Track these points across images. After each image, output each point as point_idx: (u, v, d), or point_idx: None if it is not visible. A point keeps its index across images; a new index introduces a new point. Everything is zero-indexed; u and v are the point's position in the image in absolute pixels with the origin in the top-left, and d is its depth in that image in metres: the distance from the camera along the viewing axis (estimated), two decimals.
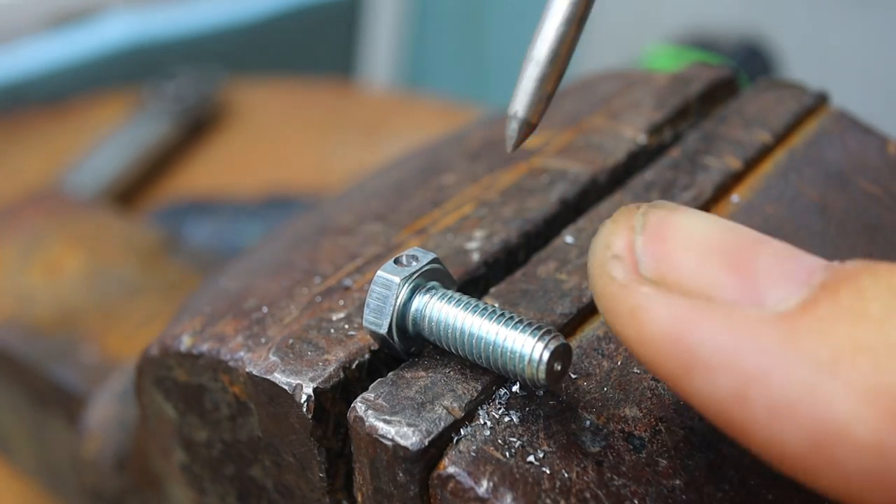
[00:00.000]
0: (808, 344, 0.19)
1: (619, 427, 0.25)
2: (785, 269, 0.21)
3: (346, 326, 0.28)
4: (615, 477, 0.24)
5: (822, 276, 0.20)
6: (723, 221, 0.22)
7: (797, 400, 0.19)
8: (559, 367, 0.24)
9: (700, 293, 0.21)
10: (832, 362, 0.19)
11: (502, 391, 0.25)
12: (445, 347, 0.26)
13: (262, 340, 0.28)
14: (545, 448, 0.24)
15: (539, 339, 0.24)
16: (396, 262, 0.26)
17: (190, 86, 0.88)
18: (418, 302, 0.26)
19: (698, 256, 0.21)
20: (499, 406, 0.25)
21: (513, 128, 0.23)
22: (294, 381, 0.26)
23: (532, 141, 0.30)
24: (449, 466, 0.24)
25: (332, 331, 0.28)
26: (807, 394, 0.19)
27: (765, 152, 0.33)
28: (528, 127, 0.23)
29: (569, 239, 0.30)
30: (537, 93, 0.23)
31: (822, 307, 0.20)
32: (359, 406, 0.25)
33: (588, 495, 0.23)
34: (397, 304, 0.26)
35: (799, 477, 0.20)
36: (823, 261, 0.21)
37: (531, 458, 0.24)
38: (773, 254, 0.21)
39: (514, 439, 0.24)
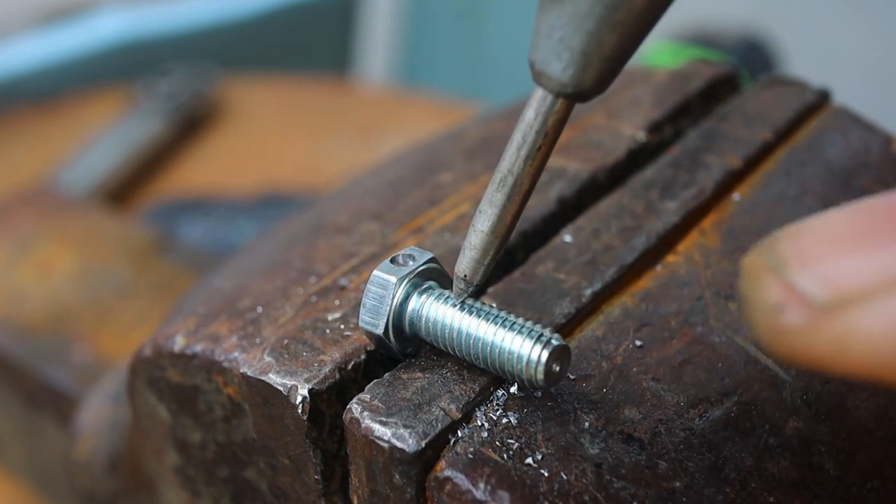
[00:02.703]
0: None
1: (619, 429, 0.25)
2: None
3: (342, 326, 0.28)
4: (614, 479, 0.24)
5: None
6: (839, 209, 0.20)
7: None
8: (557, 369, 0.24)
9: (887, 281, 0.18)
10: None
11: (500, 392, 0.25)
12: (442, 348, 0.25)
13: (257, 341, 0.28)
14: (543, 450, 0.24)
15: (537, 340, 0.24)
16: (393, 261, 0.26)
17: (184, 83, 0.88)
18: (415, 302, 0.26)
19: (854, 250, 0.19)
20: (497, 407, 0.25)
21: (460, 286, 0.25)
22: (289, 381, 0.26)
23: None
24: (446, 468, 0.23)
25: (328, 331, 0.28)
26: None
27: (766, 150, 0.33)
28: (473, 286, 0.25)
29: (567, 238, 0.30)
30: (480, 260, 0.25)
31: None
32: (355, 407, 0.25)
33: (587, 498, 0.23)
34: (394, 304, 0.25)
35: None
36: None
37: (529, 460, 0.23)
38: None
39: (513, 441, 0.24)
